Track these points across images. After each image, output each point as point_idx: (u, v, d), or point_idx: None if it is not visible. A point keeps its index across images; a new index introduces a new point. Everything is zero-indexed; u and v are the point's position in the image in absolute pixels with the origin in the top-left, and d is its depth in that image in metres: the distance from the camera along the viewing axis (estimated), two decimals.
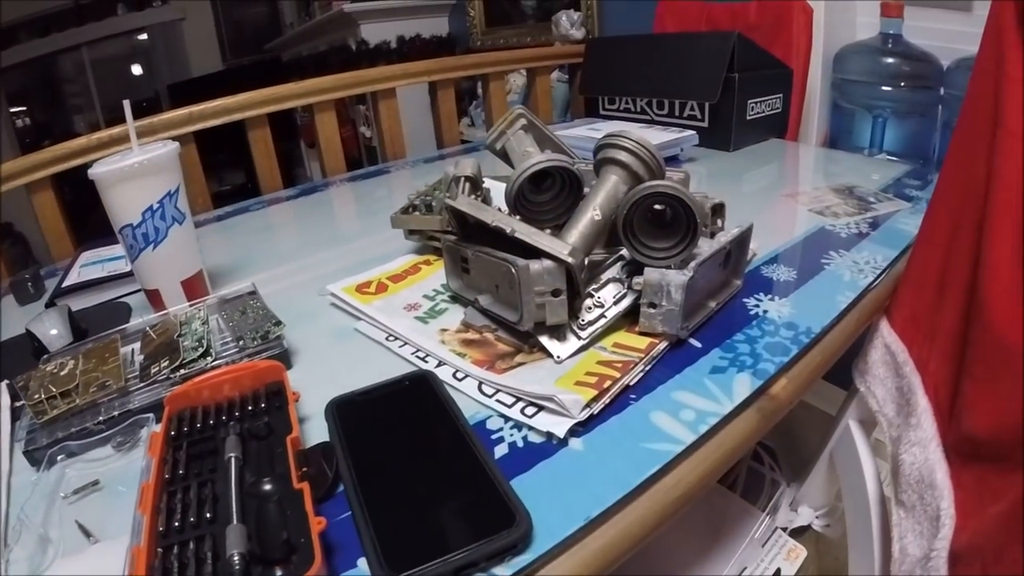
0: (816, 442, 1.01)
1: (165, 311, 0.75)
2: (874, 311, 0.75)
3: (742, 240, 0.68)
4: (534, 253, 0.59)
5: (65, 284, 0.94)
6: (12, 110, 4.44)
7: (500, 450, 0.52)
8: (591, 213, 0.64)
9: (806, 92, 1.40)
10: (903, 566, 0.69)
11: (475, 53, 2.38)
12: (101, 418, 0.58)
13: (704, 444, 0.52)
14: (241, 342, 0.65)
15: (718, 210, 0.72)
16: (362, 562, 0.42)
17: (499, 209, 0.66)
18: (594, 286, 0.64)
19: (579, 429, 0.53)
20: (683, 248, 0.61)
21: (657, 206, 0.62)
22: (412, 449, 0.51)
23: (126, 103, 0.77)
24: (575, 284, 0.60)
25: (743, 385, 0.57)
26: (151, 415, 0.58)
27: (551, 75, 1.88)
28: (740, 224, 0.68)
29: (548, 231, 0.63)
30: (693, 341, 0.63)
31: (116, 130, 0.74)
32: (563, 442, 0.51)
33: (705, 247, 0.64)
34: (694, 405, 0.55)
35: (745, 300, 0.71)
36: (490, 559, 0.41)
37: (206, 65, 4.71)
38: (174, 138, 0.80)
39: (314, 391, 0.58)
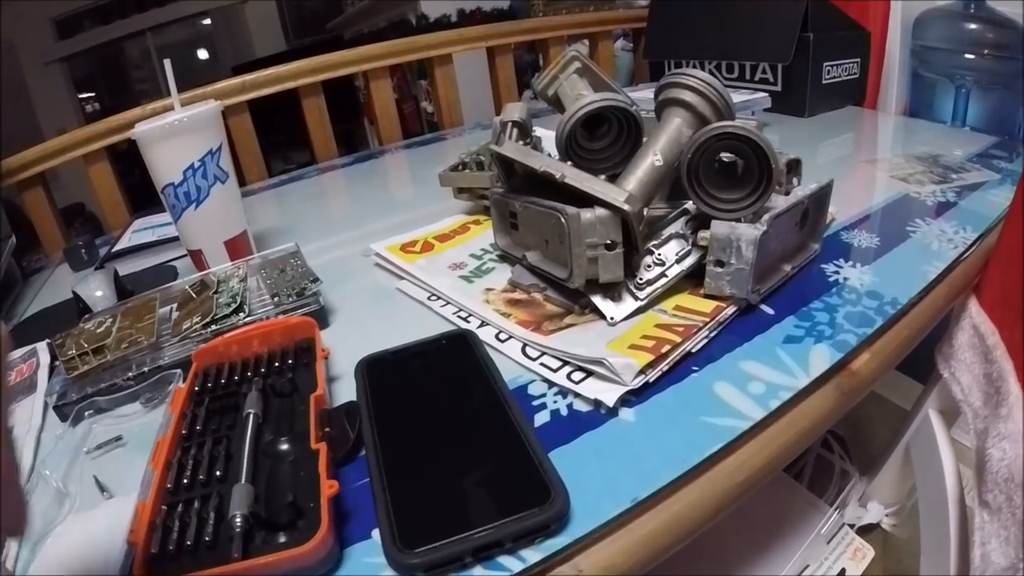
0: (886, 437, 0.93)
1: (207, 271, 0.73)
2: (964, 287, 0.66)
3: (821, 197, 0.60)
4: (587, 202, 0.51)
5: (116, 249, 0.96)
6: (81, 96, 4.54)
7: (541, 418, 0.45)
8: (651, 158, 0.56)
9: (884, 58, 1.29)
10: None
11: None
12: (131, 374, 0.56)
13: (775, 422, 0.45)
14: (276, 299, 0.62)
15: (794, 167, 0.64)
16: (376, 533, 0.37)
17: (549, 156, 0.59)
18: (654, 242, 0.56)
19: (631, 398, 0.46)
20: (756, 198, 0.53)
21: (726, 156, 0.55)
22: (443, 413, 0.46)
23: (167, 62, 0.75)
24: (632, 238, 0.53)
25: (821, 357, 0.49)
26: (179, 371, 0.56)
27: (615, 44, 1.79)
28: (817, 180, 0.60)
29: (603, 179, 0.56)
30: (765, 307, 0.56)
31: (168, 100, 0.72)
32: (612, 412, 0.45)
33: (780, 202, 0.55)
34: (764, 377, 0.47)
35: (823, 266, 0.62)
36: (518, 540, 0.36)
37: (270, 47, 4.72)
38: (228, 108, 0.77)
39: (349, 350, 0.54)
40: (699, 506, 0.40)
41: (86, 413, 0.54)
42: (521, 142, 0.70)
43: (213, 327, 0.59)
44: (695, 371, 0.48)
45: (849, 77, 1.23)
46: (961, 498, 0.74)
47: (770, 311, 0.55)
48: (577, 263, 0.52)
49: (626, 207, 0.50)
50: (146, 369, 0.56)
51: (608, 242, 0.51)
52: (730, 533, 0.82)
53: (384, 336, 0.55)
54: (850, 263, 0.63)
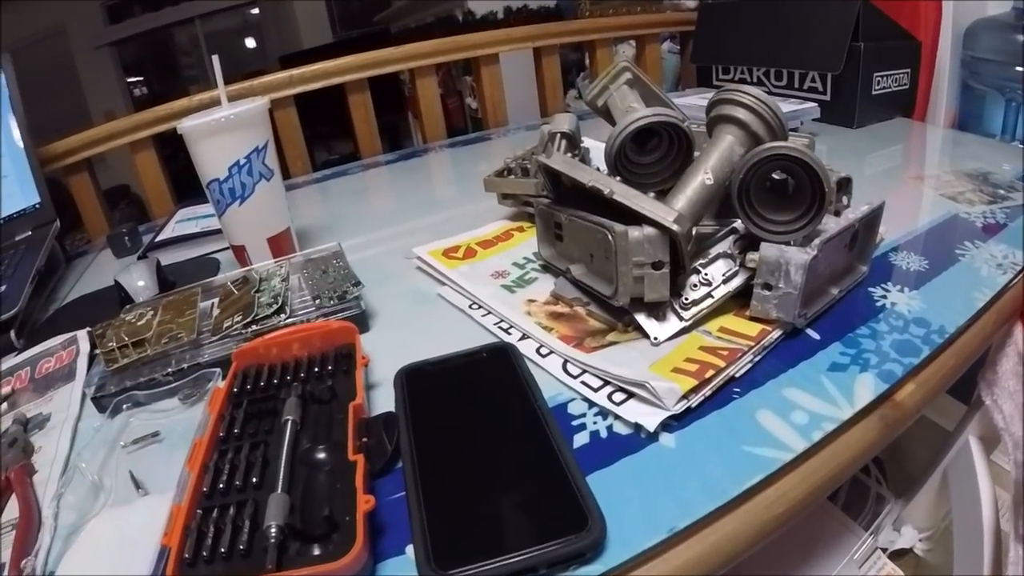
0: (925, 457, 0.90)
1: (249, 267, 0.74)
2: (1011, 314, 0.64)
3: (871, 220, 0.58)
4: (634, 219, 0.51)
5: (159, 239, 0.96)
6: (130, 80, 4.60)
7: (580, 439, 0.45)
8: (702, 176, 0.55)
9: (934, 69, 1.26)
10: None
11: None
12: (170, 370, 0.56)
13: (816, 453, 0.44)
14: (318, 301, 0.62)
15: (844, 185, 0.63)
16: (411, 550, 0.37)
17: (598, 170, 0.58)
18: (701, 261, 0.55)
19: (672, 423, 0.45)
20: (807, 222, 0.52)
21: (777, 175, 0.54)
22: (481, 428, 0.45)
23: (215, 58, 0.76)
24: (679, 257, 0.52)
25: (866, 388, 0.48)
26: (218, 370, 0.56)
27: (662, 45, 1.77)
28: (869, 202, 0.59)
29: (652, 195, 0.55)
30: (811, 331, 0.54)
31: (216, 92, 0.73)
32: (653, 436, 0.44)
33: (831, 225, 0.54)
34: (808, 406, 0.46)
35: (871, 289, 0.61)
36: (552, 566, 0.35)
37: (317, 38, 4.74)
38: (275, 101, 0.77)
39: (387, 357, 0.54)
40: (735, 538, 0.39)
41: (124, 406, 0.54)
42: (569, 154, 0.69)
43: (254, 327, 0.59)
44: (736, 395, 0.48)
45: (899, 88, 1.21)
46: (997, 529, 0.72)
47: (816, 336, 0.54)
48: (623, 281, 0.51)
49: (675, 227, 0.49)
50: (185, 366, 0.56)
51: (655, 261, 0.50)
52: (763, 554, 0.80)
53: (423, 344, 0.55)
54: (897, 287, 0.61)
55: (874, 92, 1.17)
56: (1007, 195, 0.83)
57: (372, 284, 0.66)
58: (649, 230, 0.49)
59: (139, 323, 0.61)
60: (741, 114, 0.55)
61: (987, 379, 0.73)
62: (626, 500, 0.39)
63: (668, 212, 0.50)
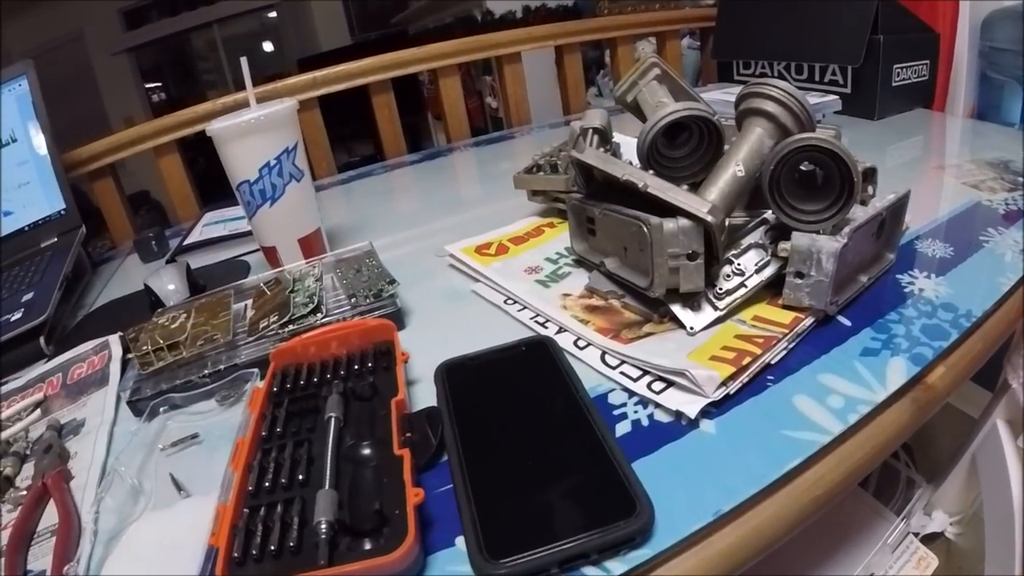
0: (951, 445, 0.90)
1: (281, 268, 0.74)
2: None
3: (898, 208, 0.59)
4: (668, 212, 0.51)
5: (187, 242, 0.96)
6: (148, 86, 4.62)
7: (622, 428, 0.46)
8: (733, 168, 0.56)
9: (953, 60, 1.26)
10: None
11: None
12: (207, 371, 0.57)
13: (852, 436, 0.45)
14: (353, 299, 0.63)
15: (869, 175, 0.63)
16: (460, 541, 0.38)
17: (630, 164, 0.59)
18: (734, 251, 0.56)
19: (712, 410, 0.46)
20: (837, 210, 0.53)
21: (805, 166, 0.54)
22: (525, 420, 0.46)
23: (243, 60, 0.76)
24: (713, 248, 0.52)
25: (897, 371, 0.49)
26: (256, 370, 0.56)
27: (682, 41, 1.77)
28: (895, 191, 0.59)
29: (685, 188, 0.55)
30: (842, 318, 0.55)
31: (240, 95, 0.73)
32: (693, 423, 0.45)
33: (858, 214, 0.55)
34: (842, 391, 0.47)
35: (898, 276, 0.61)
36: (603, 551, 0.36)
37: (335, 41, 4.75)
38: (300, 103, 0.78)
39: (425, 353, 0.54)
40: (777, 521, 0.40)
41: (161, 409, 0.54)
42: (601, 149, 0.70)
43: (291, 327, 0.59)
44: (772, 382, 0.48)
45: (919, 79, 1.20)
46: None
47: (847, 322, 0.55)
48: (659, 272, 0.52)
49: (709, 218, 0.50)
50: (222, 367, 0.57)
51: (690, 252, 0.51)
52: (797, 540, 0.80)
53: (461, 340, 0.56)
54: (924, 273, 0.62)
55: (894, 84, 1.16)
56: None
57: (405, 282, 0.66)
58: (684, 222, 0.50)
59: (172, 326, 0.61)
60: (770, 107, 0.56)
61: (1013, 363, 0.73)
62: (671, 486, 0.40)
63: (702, 204, 0.51)
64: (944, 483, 0.91)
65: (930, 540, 0.92)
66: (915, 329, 0.53)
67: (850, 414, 0.45)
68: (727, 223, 0.57)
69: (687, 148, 0.60)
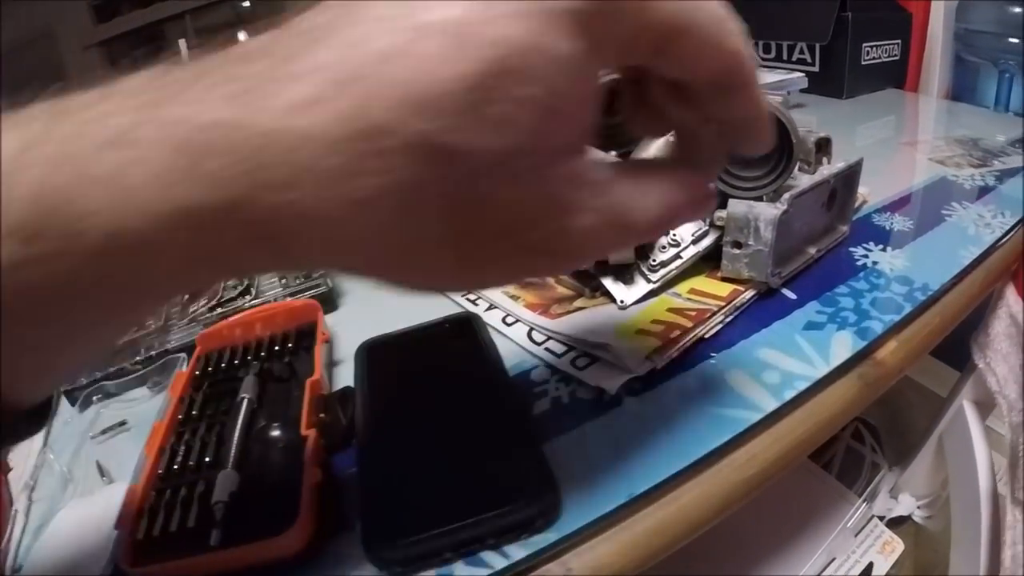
0: (923, 426, 0.87)
1: None
2: (1000, 274, 0.62)
3: (849, 177, 0.55)
4: None
5: None
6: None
7: (541, 406, 0.42)
8: (666, 135, 0.52)
9: (927, 41, 1.23)
10: None
11: None
12: (139, 358, 0.54)
13: (789, 413, 0.41)
14: (284, 281, 0.60)
15: (823, 146, 0.59)
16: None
17: None
18: None
19: (638, 386, 0.42)
20: (776, 176, 0.49)
21: None
22: (437, 399, 0.43)
23: (182, 42, 0.72)
24: None
25: (843, 345, 0.45)
26: (183, 355, 0.54)
27: None
28: (846, 160, 0.56)
29: (614, 155, 0.52)
30: (787, 291, 0.51)
31: None
32: (616, 400, 0.41)
33: (805, 182, 0.51)
34: (781, 366, 0.43)
35: (852, 249, 0.58)
36: (501, 535, 0.33)
37: None
38: None
39: (356, 334, 0.51)
40: (703, 502, 0.36)
41: (94, 398, 0.52)
42: None
43: (219, 310, 0.57)
44: (706, 357, 0.45)
45: (890, 59, 1.18)
46: (995, 494, 0.69)
47: (792, 296, 0.51)
48: None
49: None
50: (153, 353, 0.54)
51: None
52: (753, 524, 0.77)
53: (394, 319, 0.52)
54: (880, 247, 0.58)
55: (863, 63, 1.14)
56: (997, 158, 0.80)
57: None
58: None
59: None
60: None
61: (979, 342, 0.70)
62: (586, 466, 0.37)
63: None
64: (911, 465, 0.88)
65: (897, 524, 0.89)
66: (865, 302, 0.50)
67: (787, 390, 0.41)
68: None
69: (620, 116, 0.56)
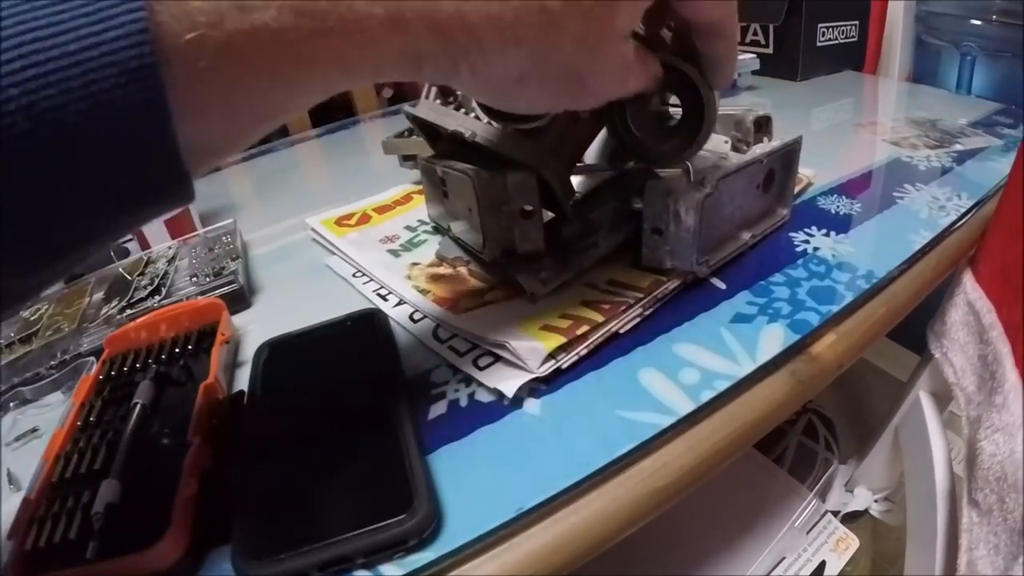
0: (884, 412, 0.83)
1: (149, 250, 0.68)
2: (956, 259, 0.58)
3: (788, 156, 0.51)
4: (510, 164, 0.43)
5: None
6: None
7: (437, 409, 0.38)
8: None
9: (886, 23, 1.20)
10: None
11: None
12: (53, 362, 0.52)
13: (708, 417, 0.37)
14: (195, 279, 0.57)
15: (763, 124, 0.56)
16: None
17: (476, 117, 0.50)
18: (587, 207, 0.48)
19: (541, 387, 0.38)
20: (690, 144, 0.44)
21: (661, 104, 0.46)
22: (327, 404, 0.39)
23: None
24: (559, 203, 0.45)
25: (773, 340, 0.41)
26: (92, 359, 0.51)
27: None
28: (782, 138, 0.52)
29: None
30: (716, 281, 0.48)
31: None
32: (517, 403, 0.37)
33: (737, 162, 0.47)
34: (702, 363, 0.40)
35: (792, 234, 0.54)
36: (372, 554, 0.29)
37: None
38: None
39: (267, 332, 0.47)
40: (603, 518, 0.32)
41: (11, 404, 0.50)
42: (439, 101, 0.61)
43: (129, 311, 0.54)
44: (617, 355, 0.41)
45: (847, 40, 1.14)
46: (952, 493, 0.65)
47: (722, 286, 0.47)
48: (489, 232, 0.44)
49: (540, 167, 0.42)
50: (67, 357, 0.52)
51: (523, 208, 0.43)
52: (697, 521, 0.74)
53: (304, 317, 0.48)
54: (823, 231, 0.54)
55: (819, 44, 1.10)
56: (957, 140, 0.77)
57: (268, 259, 0.61)
58: (514, 173, 0.42)
59: (32, 318, 0.57)
60: None
61: (936, 331, 0.66)
62: (475, 477, 0.33)
63: (535, 150, 0.43)
64: (867, 458, 0.85)
65: (854, 519, 0.85)
66: (802, 292, 0.46)
67: (705, 391, 0.37)
68: (580, 180, 0.49)
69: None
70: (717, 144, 0.53)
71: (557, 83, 0.32)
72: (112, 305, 0.55)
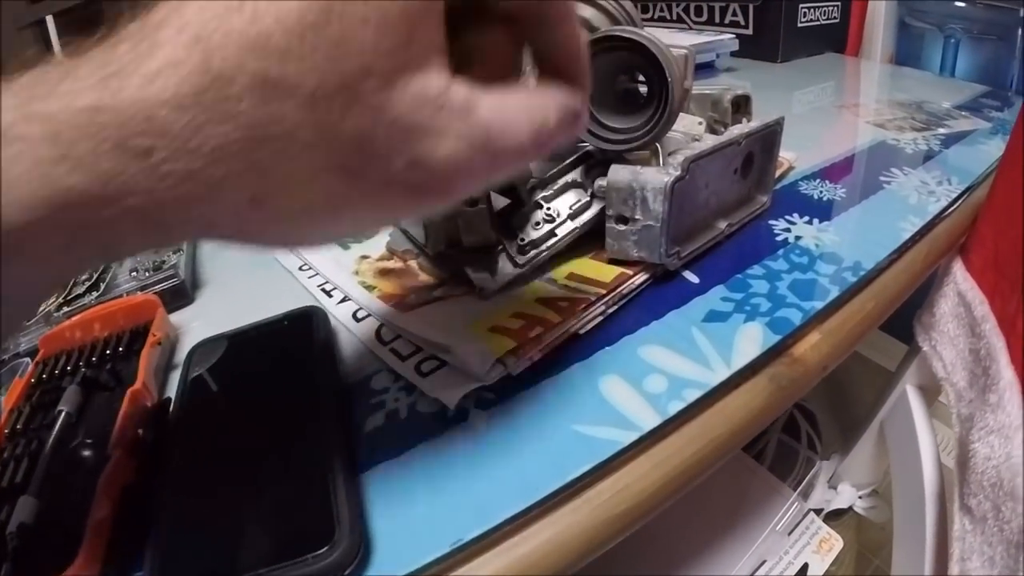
0: (871, 402, 0.80)
1: None
2: (947, 248, 0.54)
3: (768, 138, 0.47)
4: None
5: None
6: None
7: (375, 421, 0.34)
8: (530, 83, 0.43)
9: (869, 4, 1.16)
10: None
11: None
12: None
13: (675, 431, 0.33)
14: (135, 274, 0.53)
15: (742, 104, 0.51)
16: None
17: None
18: (545, 193, 0.43)
19: (488, 396, 0.34)
20: (653, 124, 0.40)
21: (628, 82, 0.42)
22: (254, 416, 0.35)
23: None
24: (514, 188, 0.40)
25: (751, 341, 0.37)
26: (27, 360, 0.47)
27: None
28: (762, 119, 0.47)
29: None
30: (688, 274, 0.43)
31: None
32: (462, 415, 0.33)
33: (710, 143, 0.43)
34: (670, 369, 0.35)
35: (772, 222, 0.50)
36: None
37: None
38: None
39: (209, 330, 0.43)
40: (555, 549, 0.28)
41: None
42: None
43: (65, 308, 0.50)
44: (576, 360, 0.36)
45: (828, 21, 1.11)
46: (941, 495, 0.62)
47: (695, 280, 0.43)
48: (431, 223, 0.39)
49: None
50: (6, 357, 0.48)
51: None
52: (676, 522, 0.70)
53: (247, 314, 0.44)
54: (805, 219, 0.50)
55: (800, 25, 1.07)
56: (943, 122, 0.73)
57: (217, 250, 0.57)
58: None
59: None
60: (586, 12, 0.43)
61: (924, 322, 0.62)
62: (410, 502, 0.29)
63: None
64: (851, 454, 0.81)
65: (837, 517, 0.82)
66: (782, 286, 0.42)
67: (672, 402, 0.33)
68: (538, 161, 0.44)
69: (474, 38, 0.47)
70: (691, 125, 0.49)
71: (349, 192, 0.22)
72: (50, 302, 0.51)
